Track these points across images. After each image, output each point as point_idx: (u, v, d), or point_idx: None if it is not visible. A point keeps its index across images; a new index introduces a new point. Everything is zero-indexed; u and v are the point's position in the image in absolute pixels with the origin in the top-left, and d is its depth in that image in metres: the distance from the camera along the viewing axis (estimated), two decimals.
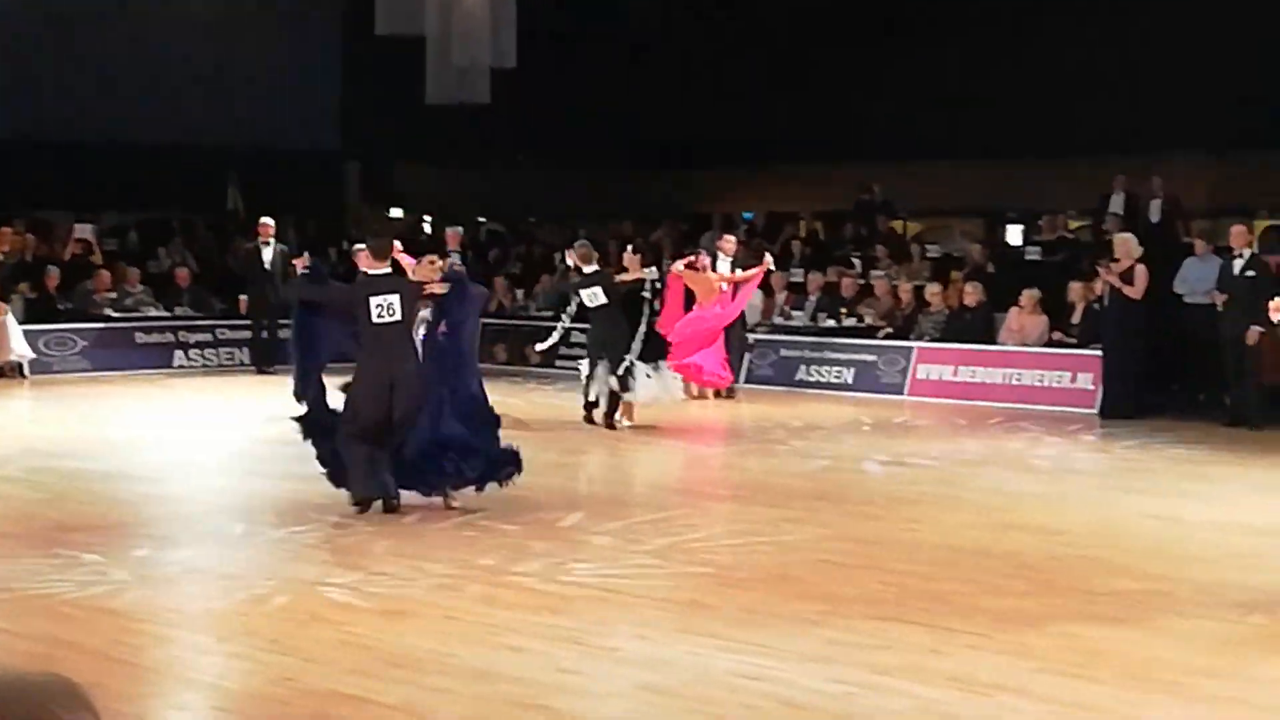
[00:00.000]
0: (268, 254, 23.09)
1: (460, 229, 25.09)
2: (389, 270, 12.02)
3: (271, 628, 8.35)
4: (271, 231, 23.32)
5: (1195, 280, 19.62)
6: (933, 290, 22.59)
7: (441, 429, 11.68)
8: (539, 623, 8.44)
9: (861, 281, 24.15)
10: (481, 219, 32.90)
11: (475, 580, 9.52)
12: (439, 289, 11.91)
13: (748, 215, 30.39)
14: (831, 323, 23.08)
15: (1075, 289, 21.04)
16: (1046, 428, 18.18)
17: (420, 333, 11.99)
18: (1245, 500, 13.07)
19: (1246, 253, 18.55)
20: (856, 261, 25.29)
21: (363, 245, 12.37)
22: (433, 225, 31.91)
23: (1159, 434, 17.38)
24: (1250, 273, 18.27)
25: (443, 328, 11.92)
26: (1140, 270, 18.90)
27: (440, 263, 12.62)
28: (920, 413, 19.89)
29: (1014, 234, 26.68)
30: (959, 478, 14.29)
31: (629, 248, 20.19)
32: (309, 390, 11.97)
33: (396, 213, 34.61)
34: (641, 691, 7.18)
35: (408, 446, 11.65)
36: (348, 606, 8.82)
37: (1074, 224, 25.55)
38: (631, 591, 9.28)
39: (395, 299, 11.71)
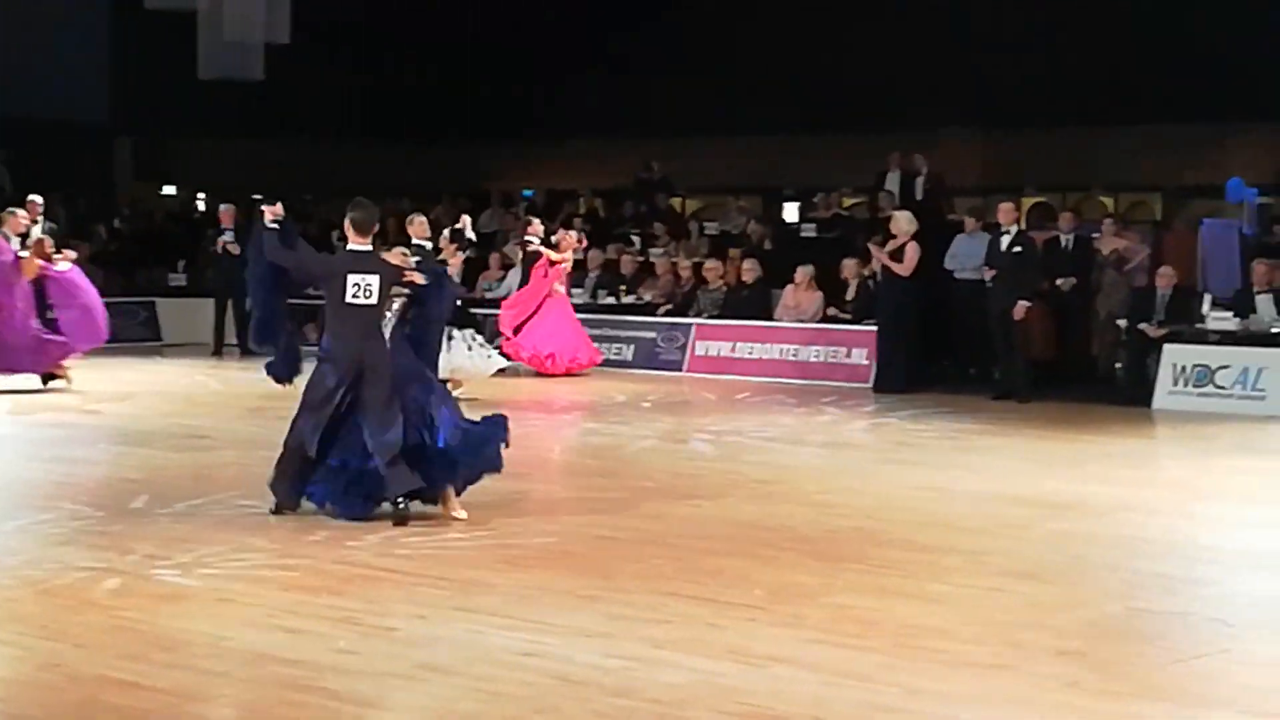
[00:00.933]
0: (35, 232, 22.44)
1: (233, 206, 24.68)
2: (370, 248, 10.95)
3: (41, 614, 8.15)
4: (40, 209, 22.70)
5: (965, 256, 20.04)
6: (711, 267, 22.79)
7: (460, 421, 10.92)
8: (316, 604, 8.35)
9: (641, 259, 24.28)
10: (256, 195, 32.37)
11: (251, 562, 9.39)
12: (418, 279, 11.06)
13: (528, 193, 30.35)
14: (611, 300, 23.17)
15: (849, 266, 21.37)
16: (822, 402, 18.46)
17: (388, 324, 10.93)
18: (1012, 472, 13.39)
19: (1014, 229, 19.00)
20: (636, 239, 25.40)
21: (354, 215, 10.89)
22: (206, 202, 31.35)
23: (930, 407, 17.74)
24: (1018, 249, 18.72)
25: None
26: (911, 247, 19.26)
27: (408, 253, 11.87)
28: (699, 388, 20.06)
29: (790, 211, 27.01)
30: (736, 452, 14.44)
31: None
32: (278, 336, 11.38)
33: (169, 190, 33.93)
34: (419, 670, 7.14)
35: (441, 435, 10.70)
36: (119, 591, 8.64)
37: (848, 201, 25.94)
38: (408, 571, 9.22)
39: (374, 280, 10.69)
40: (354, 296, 10.64)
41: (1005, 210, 19.19)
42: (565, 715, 6.55)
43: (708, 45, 29.54)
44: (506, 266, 24.01)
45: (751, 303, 21.83)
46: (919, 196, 23.87)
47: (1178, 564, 9.74)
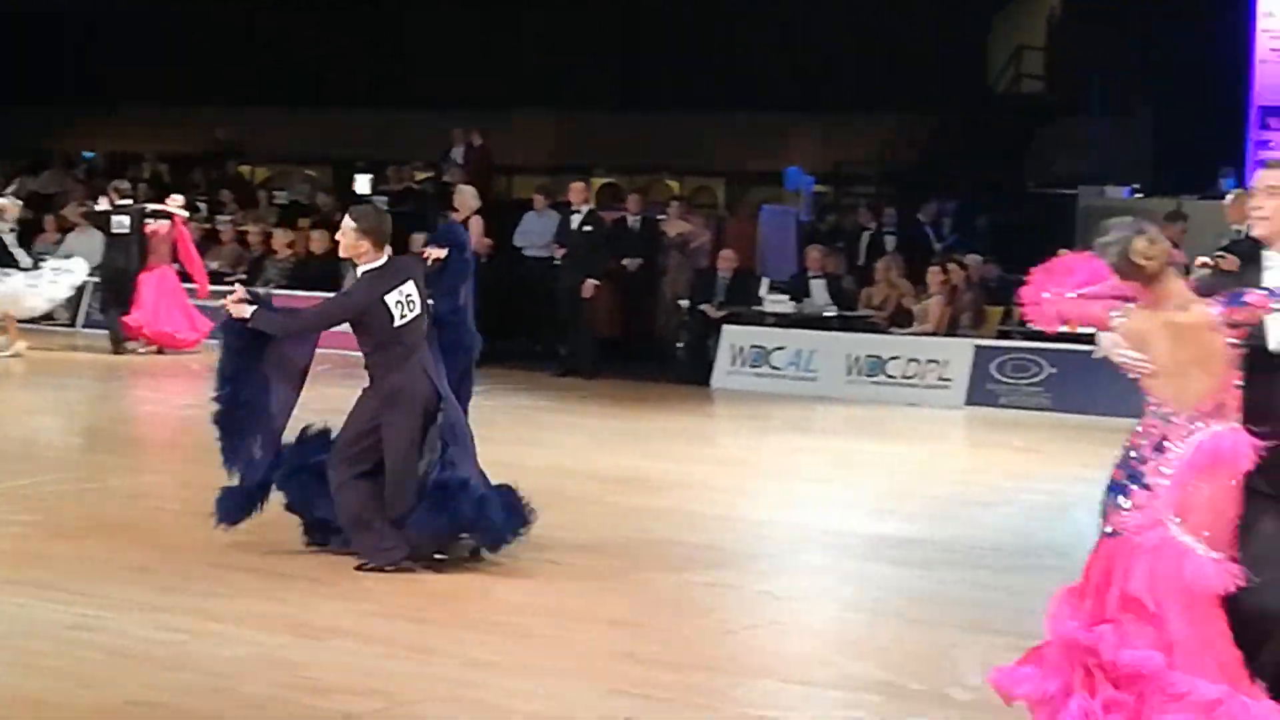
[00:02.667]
0: None
1: None
2: (387, 258, 8.89)
3: None
4: None
5: (534, 234, 20.24)
6: (280, 237, 22.43)
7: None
8: None
9: (208, 226, 23.72)
10: None
11: None
12: (438, 252, 9.26)
13: (88, 155, 29.31)
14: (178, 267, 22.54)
15: (418, 240, 21.28)
16: None
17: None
18: (577, 447, 13.60)
19: (585, 208, 19.28)
20: (203, 206, 24.80)
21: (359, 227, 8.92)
22: None
23: (498, 383, 17.77)
24: (588, 228, 19.01)
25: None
26: (476, 222, 19.32)
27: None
28: None
29: (363, 183, 26.78)
30: (296, 424, 14.21)
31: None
32: (256, 448, 8.91)
33: None
34: None
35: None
36: None
37: (420, 175, 25.88)
38: None
39: (411, 286, 8.78)
40: (402, 317, 8.67)
41: (575, 190, 19.46)
42: (117, 689, 6.37)
43: (276, 14, 29.07)
44: (64, 229, 23.13)
45: (320, 274, 21.54)
46: (463, 165, 23.90)
47: (732, 539, 10.04)
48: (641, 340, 20.53)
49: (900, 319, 18.70)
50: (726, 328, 18.82)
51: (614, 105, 27.04)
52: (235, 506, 8.82)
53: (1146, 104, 23.48)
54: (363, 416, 8.73)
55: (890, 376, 18.04)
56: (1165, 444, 5.40)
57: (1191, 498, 5.35)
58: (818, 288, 19.13)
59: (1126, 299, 5.50)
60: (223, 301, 8.97)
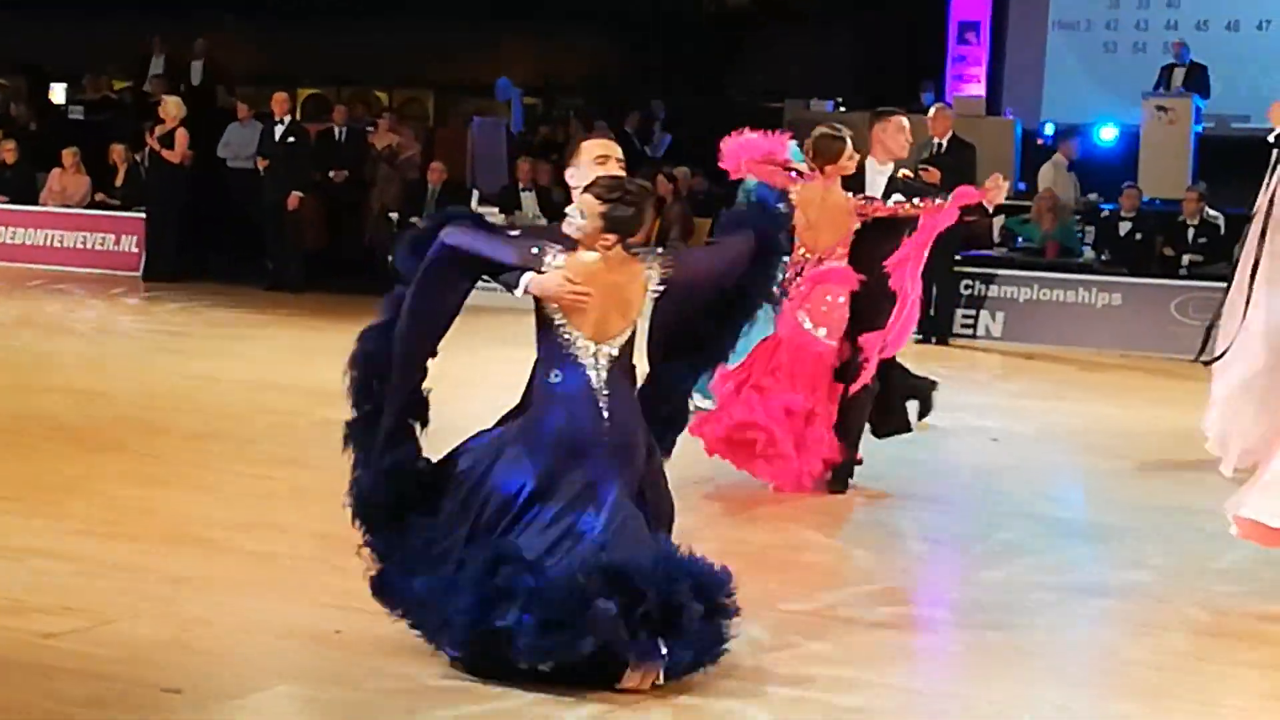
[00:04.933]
0: None
1: None
2: None
3: None
4: None
5: (238, 145, 19.83)
6: None
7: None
8: None
9: None
10: None
11: None
12: None
13: None
14: None
15: (118, 150, 20.74)
16: (89, 290, 17.88)
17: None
18: (283, 361, 13.42)
19: (288, 119, 18.93)
20: None
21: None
22: None
23: (201, 297, 17.47)
24: (291, 139, 18.68)
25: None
26: (181, 133, 18.86)
27: None
28: None
29: (58, 93, 25.91)
30: None
31: None
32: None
33: None
34: None
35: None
36: None
37: (118, 84, 25.12)
38: None
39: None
40: None
41: (279, 101, 19.08)
42: None
43: None
44: None
45: (14, 185, 20.82)
46: (197, 81, 23.36)
47: (434, 451, 9.99)
48: (350, 253, 20.27)
49: None
50: None
51: (322, 14, 26.55)
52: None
53: (849, 17, 23.85)
54: None
55: None
56: (802, 271, 8.91)
57: (816, 304, 8.89)
58: (528, 200, 19.11)
59: (800, 174, 8.96)
60: None
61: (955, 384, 12.20)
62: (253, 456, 9.38)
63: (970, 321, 16.14)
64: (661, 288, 5.78)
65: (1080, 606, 7.09)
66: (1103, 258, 17.14)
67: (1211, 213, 16.21)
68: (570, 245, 5.73)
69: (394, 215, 19.46)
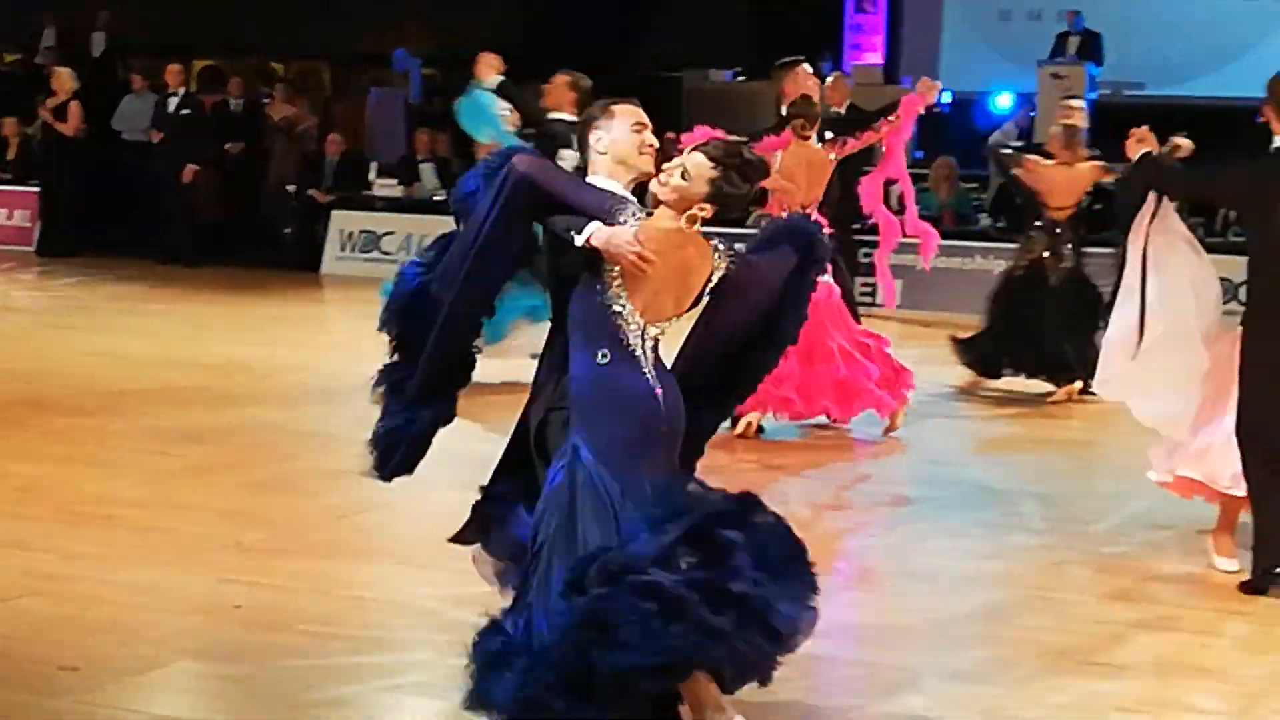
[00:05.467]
0: None
1: None
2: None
3: None
4: None
5: (132, 117, 19.62)
6: None
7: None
8: None
9: None
10: None
11: None
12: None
13: None
14: None
15: (10, 124, 20.46)
16: None
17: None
18: (180, 336, 13.28)
19: (182, 92, 18.76)
20: None
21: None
22: None
23: (97, 271, 17.29)
24: (186, 111, 18.51)
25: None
26: (74, 106, 18.63)
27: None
28: None
29: None
30: None
31: None
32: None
33: None
34: None
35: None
36: None
37: (9, 57, 24.75)
38: None
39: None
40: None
41: (171, 72, 18.90)
42: None
43: None
44: None
45: None
46: (97, 54, 23.04)
47: (341, 423, 9.95)
48: (247, 226, 20.11)
49: None
50: (335, 213, 18.60)
51: None
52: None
53: None
54: None
55: None
56: None
57: None
58: (427, 171, 19.03)
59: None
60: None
61: None
62: (151, 433, 9.30)
63: (869, 290, 16.24)
64: (718, 286, 5.01)
65: (972, 570, 7.17)
66: (998, 225, 17.27)
67: (1106, 180, 16.37)
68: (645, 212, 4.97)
69: (291, 188, 19.32)
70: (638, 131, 5.13)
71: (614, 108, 5.20)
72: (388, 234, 18.37)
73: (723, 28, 22.40)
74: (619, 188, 5.06)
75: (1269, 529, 6.68)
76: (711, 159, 4.92)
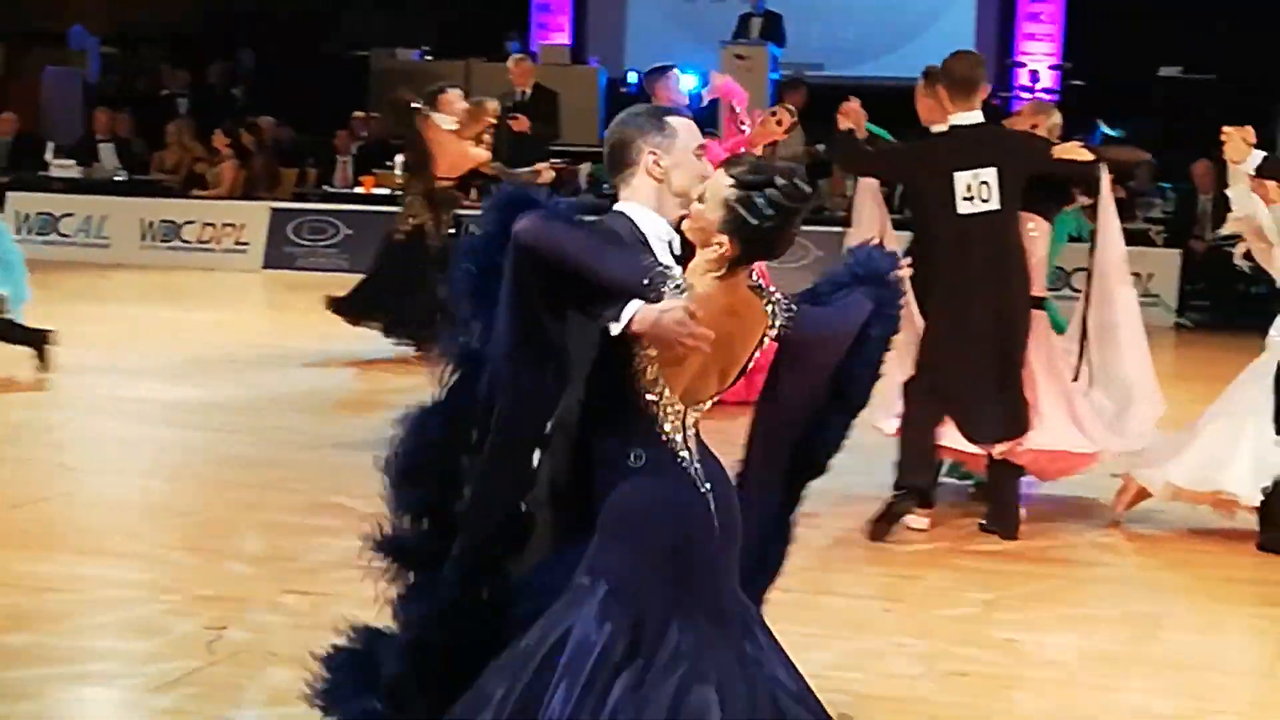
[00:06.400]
0: None
1: None
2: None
3: None
4: None
5: None
6: None
7: None
8: None
9: None
10: None
11: None
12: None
13: None
14: None
15: None
16: None
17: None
18: None
19: None
20: None
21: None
22: None
23: None
24: None
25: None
26: None
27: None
28: None
29: None
30: None
31: None
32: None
33: None
34: None
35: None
36: None
37: None
38: None
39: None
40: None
41: None
42: None
43: None
44: None
45: None
46: None
47: (19, 412, 9.68)
48: None
49: (194, 182, 18.42)
50: (10, 194, 18.05)
51: None
52: None
53: None
54: None
55: (186, 241, 17.79)
56: None
57: None
58: (106, 151, 18.57)
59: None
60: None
61: None
62: None
63: None
64: (780, 351, 3.98)
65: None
66: None
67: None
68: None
69: None
70: (699, 157, 4.02)
71: (669, 119, 4.02)
72: (66, 215, 17.88)
73: (412, 8, 22.28)
74: (665, 227, 3.96)
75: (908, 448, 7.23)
76: (731, 176, 3.77)
